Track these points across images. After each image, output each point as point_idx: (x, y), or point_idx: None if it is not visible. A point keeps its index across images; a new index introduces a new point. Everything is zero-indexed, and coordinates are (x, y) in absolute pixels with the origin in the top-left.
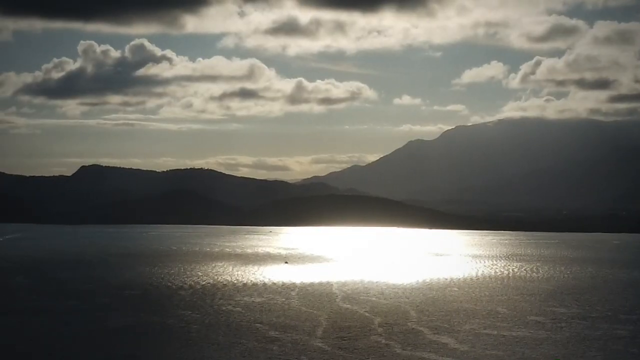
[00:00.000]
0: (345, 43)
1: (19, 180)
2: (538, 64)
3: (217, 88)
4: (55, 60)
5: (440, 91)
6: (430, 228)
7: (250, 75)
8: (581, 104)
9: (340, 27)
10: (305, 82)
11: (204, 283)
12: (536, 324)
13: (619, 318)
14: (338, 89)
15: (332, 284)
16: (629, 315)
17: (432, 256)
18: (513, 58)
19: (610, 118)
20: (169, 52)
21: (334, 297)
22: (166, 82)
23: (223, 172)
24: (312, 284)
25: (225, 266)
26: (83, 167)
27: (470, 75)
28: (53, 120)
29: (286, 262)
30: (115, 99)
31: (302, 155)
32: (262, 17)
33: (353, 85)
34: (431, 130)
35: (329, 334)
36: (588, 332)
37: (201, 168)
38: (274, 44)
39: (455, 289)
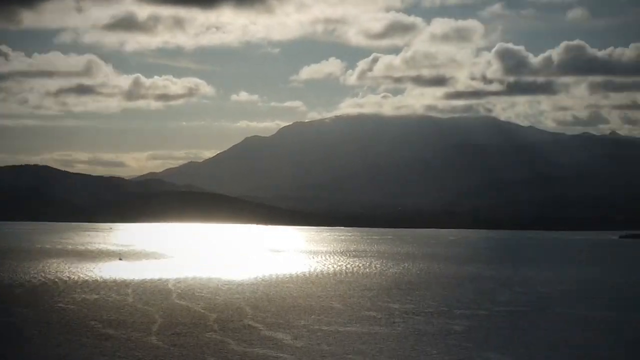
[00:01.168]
0: (184, 39)
1: None
2: (375, 60)
3: (54, 84)
4: None
5: (278, 87)
6: (268, 224)
7: (87, 71)
8: (418, 101)
9: (178, 23)
10: (142, 78)
11: (38, 280)
12: (371, 320)
13: (453, 313)
14: (175, 85)
15: (167, 281)
16: (464, 310)
17: (268, 252)
18: (351, 55)
19: (447, 115)
20: (4, 47)
21: (169, 294)
22: (1, 77)
23: (59, 168)
24: (147, 281)
25: (60, 263)
26: None
27: (308, 71)
28: None
29: (120, 259)
30: None
31: (138, 152)
32: (100, 13)
33: (191, 81)
34: (268, 126)
35: (164, 330)
36: (423, 328)
37: (36, 165)
38: (111, 39)
39: (291, 285)
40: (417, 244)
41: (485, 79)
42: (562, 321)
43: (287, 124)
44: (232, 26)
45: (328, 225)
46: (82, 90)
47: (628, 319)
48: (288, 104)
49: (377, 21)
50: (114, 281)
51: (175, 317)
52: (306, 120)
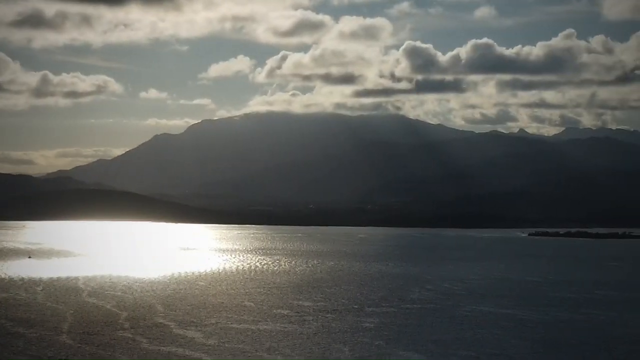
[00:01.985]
0: (92, 36)
1: None
2: (284, 58)
3: None
4: None
5: (186, 85)
6: (179, 222)
7: None
8: (327, 99)
9: (86, 20)
10: (50, 76)
11: None
12: (282, 318)
13: (364, 311)
14: (84, 82)
15: (78, 279)
16: (375, 307)
17: (179, 250)
18: (259, 52)
19: (356, 113)
20: None
21: (80, 292)
22: None
23: None
24: (58, 279)
25: None
26: None
27: (217, 69)
28: None
29: (30, 257)
30: None
31: (47, 149)
32: (6, 9)
33: (99, 78)
34: (177, 124)
35: (75, 329)
36: (335, 325)
37: None
38: (18, 36)
39: (202, 283)
40: (328, 242)
41: (393, 77)
42: (471, 318)
43: (196, 121)
44: (140, 23)
45: (239, 223)
46: None
47: (534, 316)
48: (197, 101)
49: (286, 19)
50: (24, 279)
51: (86, 316)
52: (215, 118)
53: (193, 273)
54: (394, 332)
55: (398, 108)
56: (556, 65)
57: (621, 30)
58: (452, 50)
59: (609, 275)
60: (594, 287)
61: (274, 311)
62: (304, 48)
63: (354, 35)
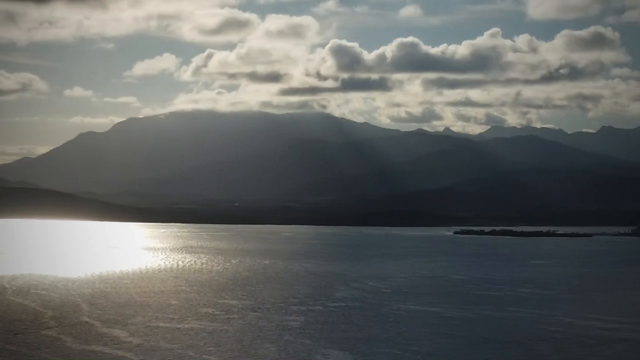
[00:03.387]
0: (17, 34)
1: None
2: (210, 56)
3: None
4: None
5: (111, 83)
6: (104, 220)
7: None
8: (253, 97)
9: (11, 18)
10: None
11: None
12: (208, 316)
13: (290, 309)
14: (8, 80)
15: (2, 278)
16: (300, 306)
17: (104, 249)
18: (185, 50)
19: (282, 111)
20: None
21: (4, 291)
22: None
23: None
24: None
25: None
26: None
27: (143, 67)
28: None
29: None
30: None
31: None
32: None
33: (24, 76)
34: (103, 122)
35: None
36: (261, 324)
37: None
38: None
39: (127, 282)
40: (253, 240)
41: (319, 76)
42: (396, 316)
43: (122, 119)
44: (66, 21)
45: (165, 222)
46: None
47: (459, 314)
48: (122, 99)
49: (212, 17)
50: None
51: (10, 315)
52: (140, 116)
53: (118, 271)
54: (319, 330)
55: (324, 106)
56: (481, 64)
57: (546, 30)
58: (377, 48)
59: (533, 273)
60: (518, 285)
61: (199, 309)
62: (229, 46)
63: (280, 34)
